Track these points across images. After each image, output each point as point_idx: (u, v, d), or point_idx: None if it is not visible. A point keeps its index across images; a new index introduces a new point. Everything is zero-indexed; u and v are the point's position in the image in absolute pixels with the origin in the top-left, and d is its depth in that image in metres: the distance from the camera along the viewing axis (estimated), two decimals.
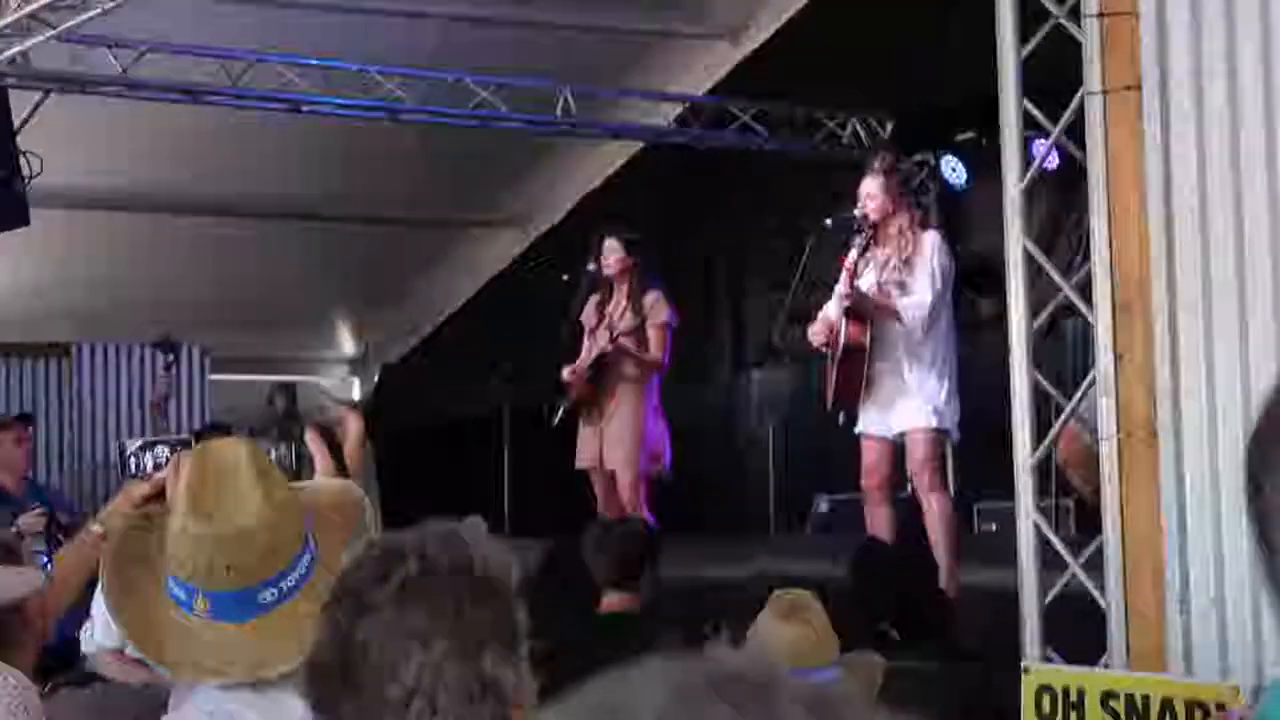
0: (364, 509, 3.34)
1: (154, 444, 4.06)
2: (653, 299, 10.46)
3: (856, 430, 9.02)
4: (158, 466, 3.98)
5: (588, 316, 10.68)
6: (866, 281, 8.98)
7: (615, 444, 10.40)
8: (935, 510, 8.72)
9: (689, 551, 9.62)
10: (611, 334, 10.36)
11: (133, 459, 4.03)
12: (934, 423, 8.81)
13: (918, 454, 8.79)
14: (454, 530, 2.52)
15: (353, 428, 3.94)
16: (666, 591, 7.61)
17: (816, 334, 9.08)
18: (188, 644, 3.04)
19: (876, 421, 8.93)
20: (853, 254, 9.01)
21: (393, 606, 2.42)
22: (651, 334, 10.41)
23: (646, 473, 10.44)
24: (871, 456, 8.97)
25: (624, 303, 10.49)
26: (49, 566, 4.27)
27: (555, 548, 8.92)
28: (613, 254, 10.50)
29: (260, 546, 2.99)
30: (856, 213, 9.05)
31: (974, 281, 11.24)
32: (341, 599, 2.48)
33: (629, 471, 10.35)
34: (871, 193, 9.04)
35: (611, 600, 7.02)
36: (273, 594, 3.00)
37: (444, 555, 2.45)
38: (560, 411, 10.66)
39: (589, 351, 10.55)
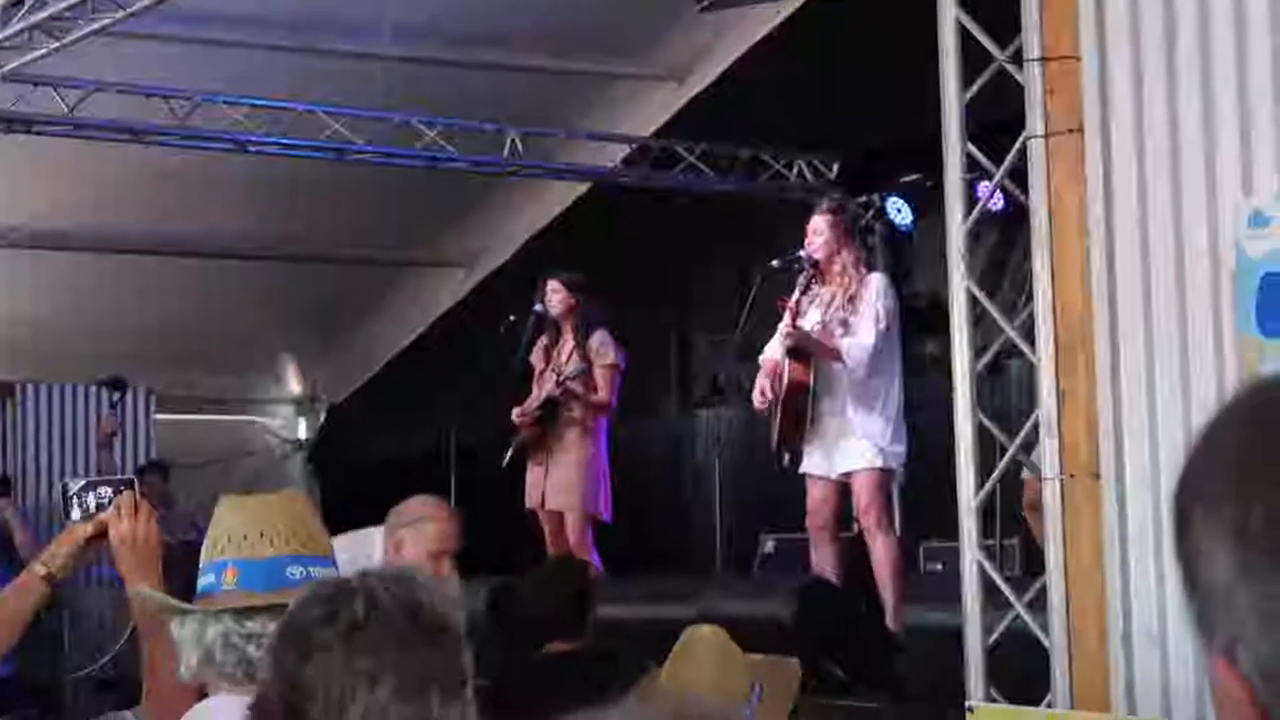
0: None
1: (97, 484, 4.03)
2: (599, 340, 10.48)
3: (801, 470, 9.03)
4: (100, 507, 3.96)
5: (536, 358, 10.70)
6: (810, 320, 9.00)
7: (562, 486, 10.40)
8: (880, 550, 8.72)
9: (635, 590, 9.61)
10: (558, 378, 10.38)
11: (75, 499, 4.00)
12: (879, 463, 8.81)
13: (863, 494, 8.79)
14: (401, 572, 2.53)
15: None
16: (612, 631, 7.60)
17: (759, 397, 9.09)
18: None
19: (820, 462, 8.93)
20: (795, 292, 9.04)
21: (340, 647, 2.42)
22: (599, 376, 10.43)
23: (593, 514, 10.45)
24: (816, 497, 8.97)
25: (570, 345, 10.52)
26: None
27: (500, 587, 8.91)
28: (556, 295, 10.53)
29: (293, 521, 3.21)
30: (803, 252, 9.07)
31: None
32: (289, 638, 2.48)
33: (575, 513, 10.36)
34: (818, 229, 9.06)
35: (555, 644, 7.01)
36: (300, 572, 3.15)
37: (391, 596, 2.46)
38: (509, 452, 10.67)
39: (537, 393, 10.57)
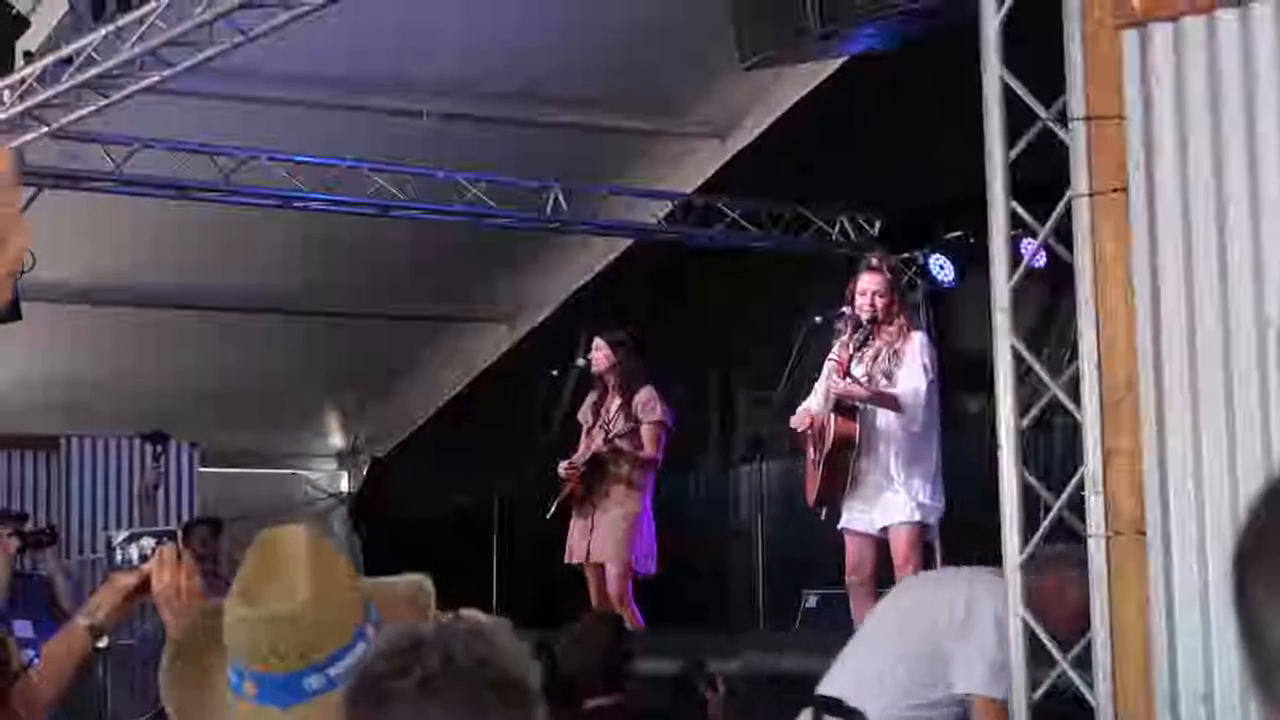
0: (432, 607, 3.29)
1: (140, 535, 4.06)
2: (645, 397, 10.52)
3: (840, 525, 9.01)
4: (144, 558, 3.97)
5: (584, 414, 10.73)
6: (856, 374, 8.99)
7: (606, 539, 10.43)
8: None
9: (677, 645, 9.60)
10: (606, 435, 10.41)
11: (119, 550, 4.02)
12: (917, 517, 8.81)
13: (901, 549, 8.79)
14: (479, 626, 2.53)
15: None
16: (655, 686, 7.59)
17: (799, 421, 9.09)
18: None
19: (860, 517, 8.92)
20: (849, 348, 9.02)
21: (412, 700, 2.42)
22: (645, 432, 10.47)
23: (639, 569, 10.47)
24: (855, 552, 8.96)
25: (617, 402, 10.55)
26: (36, 660, 4.27)
27: (537, 644, 8.91)
28: (599, 352, 10.58)
29: (305, 631, 2.96)
30: (861, 311, 9.05)
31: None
32: (363, 687, 2.49)
33: (618, 565, 10.38)
34: (877, 288, 9.05)
35: (594, 700, 7.00)
36: (319, 680, 2.96)
37: (466, 652, 2.45)
38: (554, 504, 10.70)
39: (585, 448, 10.59)
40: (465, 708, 2.41)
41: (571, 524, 10.66)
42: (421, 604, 3.27)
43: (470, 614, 3.39)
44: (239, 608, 3.00)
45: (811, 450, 9.11)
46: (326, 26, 10.29)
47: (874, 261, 9.39)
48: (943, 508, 8.95)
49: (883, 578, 9.12)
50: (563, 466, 10.61)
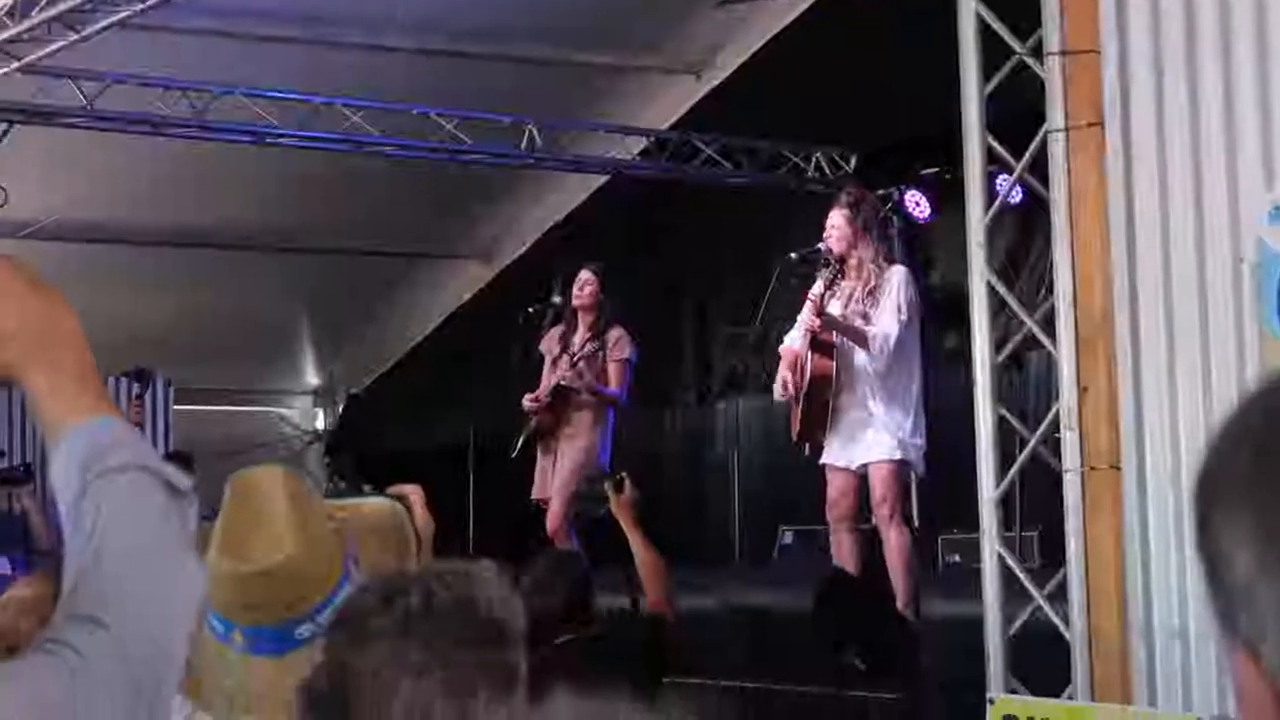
0: (407, 530, 3.27)
1: None
2: (616, 334, 10.45)
3: (821, 462, 9.02)
4: None
5: (550, 345, 10.66)
6: (832, 313, 8.98)
7: (568, 474, 10.36)
8: (894, 543, 8.72)
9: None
10: (572, 359, 10.35)
11: None
12: (897, 455, 8.80)
13: (879, 487, 8.78)
14: (463, 570, 2.53)
15: (417, 501, 3.80)
16: (629, 622, 7.61)
17: (780, 388, 9.07)
18: (221, 677, 2.95)
19: (840, 453, 8.92)
20: (819, 286, 9.01)
21: (391, 637, 2.42)
22: (611, 369, 10.40)
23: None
24: (835, 488, 8.96)
25: (587, 334, 10.49)
26: None
27: (517, 577, 8.91)
28: (588, 286, 10.50)
29: (289, 584, 2.89)
30: (822, 246, 9.05)
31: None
32: (344, 622, 2.49)
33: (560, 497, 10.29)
34: (836, 224, 9.04)
35: (565, 635, 7.01)
36: (309, 629, 2.89)
37: (448, 593, 2.46)
38: (520, 441, 10.65)
39: (549, 379, 10.53)
40: (442, 646, 2.42)
41: (538, 460, 10.60)
42: (388, 530, 3.24)
43: (399, 490, 3.37)
44: (222, 561, 2.91)
45: (794, 386, 9.10)
46: None
47: (841, 197, 9.36)
48: (924, 444, 8.95)
49: (864, 514, 9.14)
50: (527, 399, 10.54)
